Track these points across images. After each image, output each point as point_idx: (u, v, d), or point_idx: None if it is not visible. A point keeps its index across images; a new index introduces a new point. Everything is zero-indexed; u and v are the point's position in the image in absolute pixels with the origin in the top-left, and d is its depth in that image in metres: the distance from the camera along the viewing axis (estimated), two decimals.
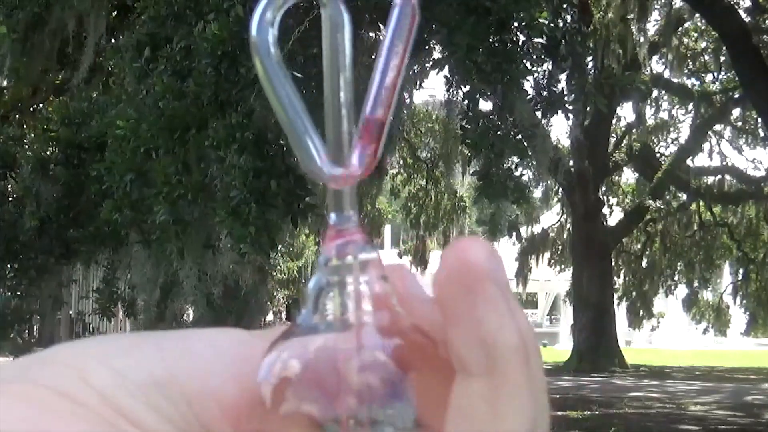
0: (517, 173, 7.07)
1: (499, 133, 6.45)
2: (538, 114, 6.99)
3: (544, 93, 6.78)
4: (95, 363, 0.25)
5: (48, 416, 0.23)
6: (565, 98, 6.92)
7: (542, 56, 6.60)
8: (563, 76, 6.97)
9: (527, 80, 6.61)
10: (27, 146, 9.83)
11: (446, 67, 6.86)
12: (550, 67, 6.89)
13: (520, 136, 6.55)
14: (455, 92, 7.66)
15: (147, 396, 0.25)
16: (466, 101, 6.89)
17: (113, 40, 9.34)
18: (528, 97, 6.71)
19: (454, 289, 0.24)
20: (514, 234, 20.28)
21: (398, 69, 0.28)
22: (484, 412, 0.24)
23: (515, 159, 6.89)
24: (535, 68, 6.66)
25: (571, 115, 7.75)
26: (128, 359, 0.26)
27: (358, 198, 0.28)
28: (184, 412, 0.25)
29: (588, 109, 7.96)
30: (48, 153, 8.66)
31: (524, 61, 6.30)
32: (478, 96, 6.72)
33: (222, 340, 0.28)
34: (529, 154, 6.86)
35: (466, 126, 6.81)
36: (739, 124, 20.65)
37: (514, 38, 6.23)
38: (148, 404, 0.25)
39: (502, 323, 0.24)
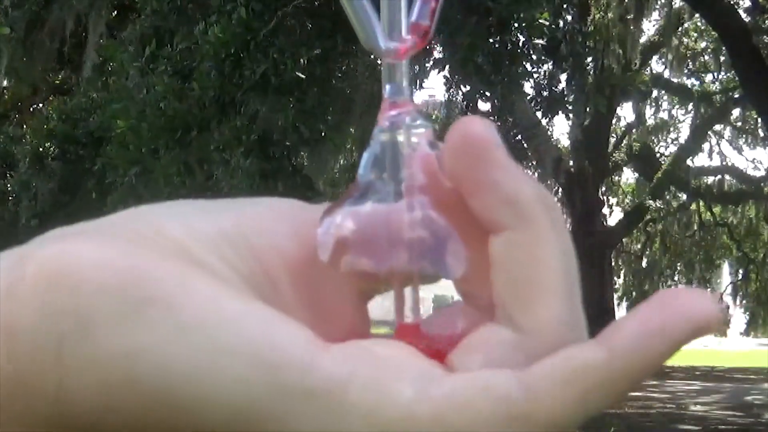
0: None
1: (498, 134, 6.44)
2: (539, 114, 6.99)
3: (545, 93, 6.78)
4: (169, 219, 0.27)
5: (138, 248, 0.25)
6: (566, 98, 6.92)
7: (543, 57, 6.60)
8: (564, 77, 6.97)
9: (528, 81, 6.62)
10: (25, 143, 9.83)
11: (446, 67, 6.86)
12: (550, 68, 6.89)
13: (519, 137, 6.55)
14: (455, 93, 7.66)
15: (217, 247, 0.27)
16: (465, 102, 6.89)
17: (114, 40, 9.33)
18: (528, 98, 6.71)
19: (466, 162, 0.26)
20: None
21: None
22: (522, 258, 0.25)
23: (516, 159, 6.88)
24: (535, 69, 6.65)
25: (571, 116, 7.76)
26: (199, 217, 0.28)
27: None
28: (249, 264, 0.27)
29: (588, 109, 7.95)
30: (45, 148, 8.66)
31: (524, 62, 6.30)
32: (477, 96, 6.72)
33: (283, 205, 0.30)
34: (529, 154, 6.86)
35: None
36: (739, 124, 20.66)
37: (515, 39, 6.23)
38: (218, 254, 0.27)
39: (518, 179, 0.26)
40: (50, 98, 11.49)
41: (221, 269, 0.26)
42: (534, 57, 6.46)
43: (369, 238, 0.27)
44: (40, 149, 8.70)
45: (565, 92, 6.96)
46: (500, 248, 0.26)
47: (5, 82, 10.72)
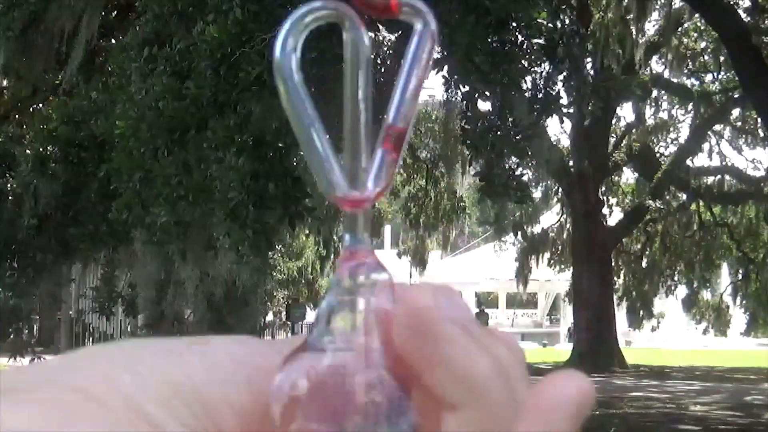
0: (518, 173, 7.07)
1: (498, 133, 6.45)
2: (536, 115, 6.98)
3: (540, 95, 6.77)
4: (120, 368, 0.26)
5: (76, 419, 0.23)
6: (561, 100, 6.91)
7: (541, 56, 6.59)
8: (560, 78, 6.96)
9: (525, 80, 6.61)
10: (26, 144, 9.82)
11: (445, 67, 6.85)
12: (547, 69, 6.88)
13: (519, 137, 6.55)
14: (454, 92, 7.66)
15: (167, 401, 0.26)
16: (465, 101, 6.89)
17: (113, 40, 9.33)
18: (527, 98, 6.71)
19: (414, 340, 0.25)
20: (519, 233, 20.28)
21: (418, 88, 0.29)
22: None
23: (515, 159, 6.89)
24: (533, 68, 6.65)
25: (565, 118, 7.75)
26: (151, 366, 0.27)
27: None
28: (200, 418, 0.26)
29: (583, 111, 7.95)
30: (47, 151, 8.65)
31: (523, 61, 6.29)
32: (476, 96, 6.72)
33: (241, 350, 0.29)
34: (529, 154, 6.86)
35: (466, 126, 6.81)
36: (739, 124, 20.65)
37: (513, 38, 6.22)
38: (168, 409, 0.26)
39: (469, 355, 0.24)
40: (50, 98, 11.49)
41: (170, 425, 0.25)
42: (532, 56, 6.46)
43: (322, 400, 0.26)
44: (42, 151, 8.69)
45: (561, 94, 6.95)
46: (453, 428, 0.24)
47: (5, 82, 10.72)
